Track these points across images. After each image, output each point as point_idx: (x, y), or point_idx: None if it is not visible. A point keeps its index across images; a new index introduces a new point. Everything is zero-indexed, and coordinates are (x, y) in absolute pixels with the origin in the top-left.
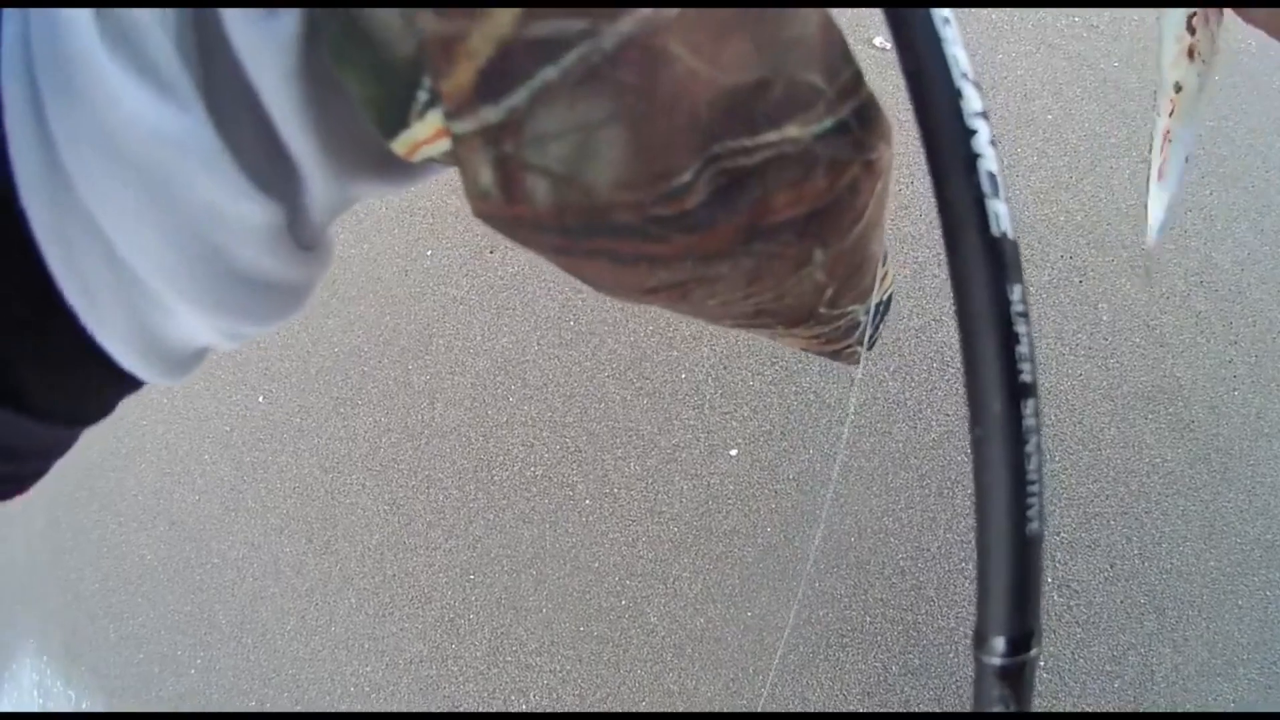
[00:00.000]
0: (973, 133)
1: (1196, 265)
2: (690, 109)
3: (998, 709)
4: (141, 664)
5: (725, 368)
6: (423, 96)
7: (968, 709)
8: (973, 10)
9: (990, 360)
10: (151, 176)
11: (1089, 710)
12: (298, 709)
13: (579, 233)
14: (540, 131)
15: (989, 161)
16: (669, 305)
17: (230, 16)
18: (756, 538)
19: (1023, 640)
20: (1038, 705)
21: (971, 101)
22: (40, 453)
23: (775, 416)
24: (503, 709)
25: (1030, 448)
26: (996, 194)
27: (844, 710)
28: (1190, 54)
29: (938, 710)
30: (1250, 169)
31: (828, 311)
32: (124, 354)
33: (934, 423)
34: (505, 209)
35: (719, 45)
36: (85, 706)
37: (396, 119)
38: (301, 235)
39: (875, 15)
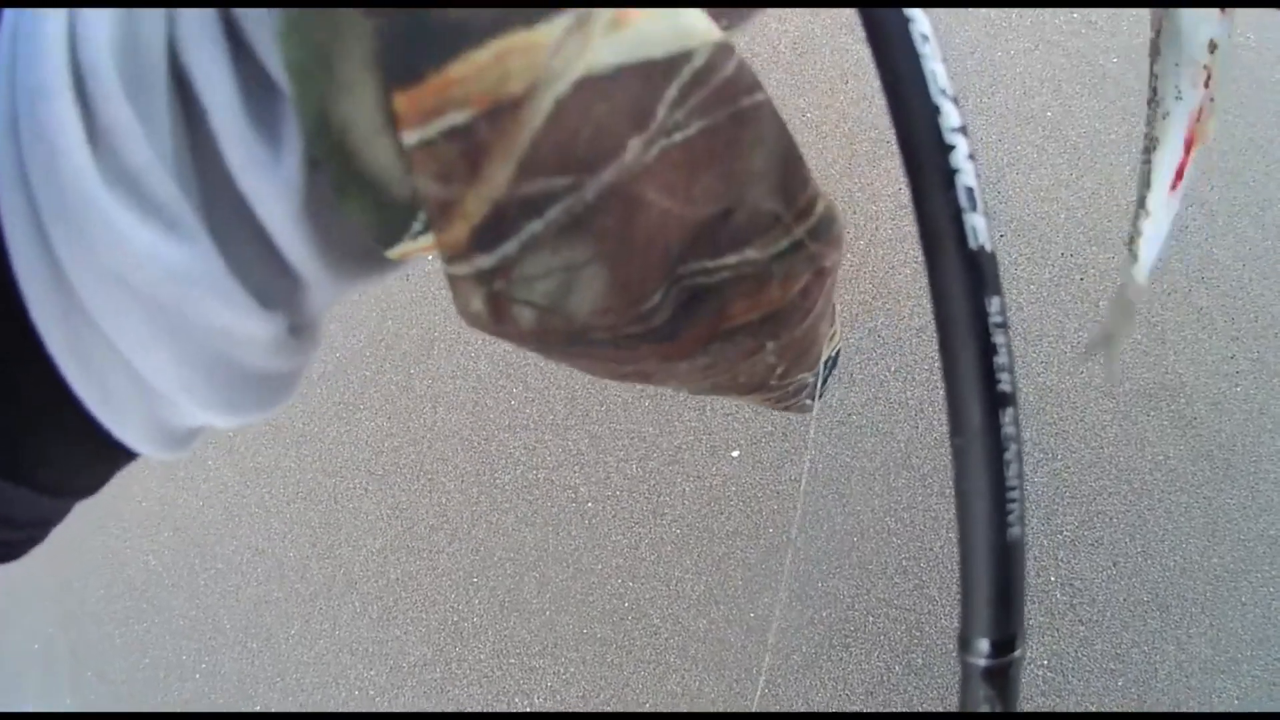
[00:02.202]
0: (950, 148)
1: (1198, 261)
2: (663, 245)
3: (984, 709)
4: (147, 669)
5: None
6: (417, 226)
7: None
8: (970, 8)
9: (969, 371)
10: (163, 308)
11: (1091, 710)
12: (302, 712)
13: (559, 345)
14: (528, 274)
15: (967, 176)
16: (637, 383)
17: (233, 159)
18: (759, 539)
19: (1006, 642)
20: (1040, 703)
21: (949, 117)
22: (37, 522)
23: (777, 418)
24: (506, 710)
25: (1009, 455)
26: (975, 208)
27: (848, 710)
28: (1207, 81)
29: (941, 710)
30: (1251, 164)
31: (778, 383)
32: (138, 443)
33: (936, 423)
34: (493, 328)
35: (690, 182)
36: (90, 711)
37: (393, 239)
38: (298, 331)
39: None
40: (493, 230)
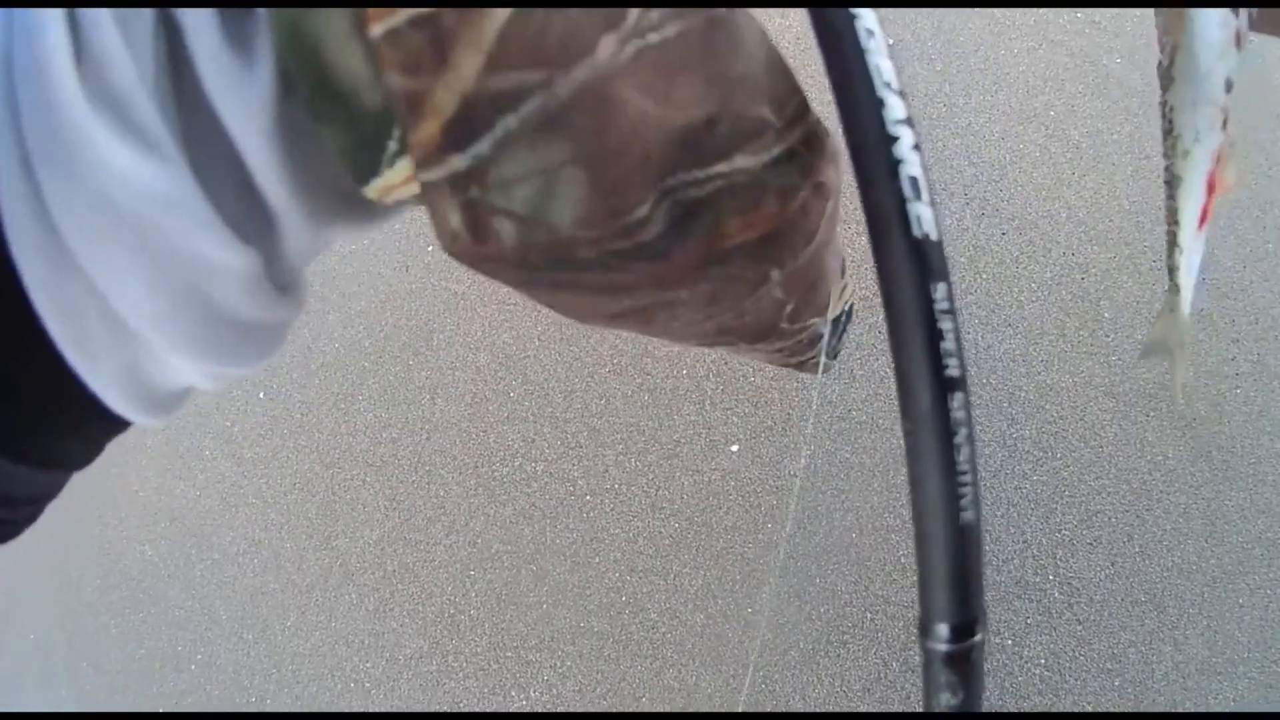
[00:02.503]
0: (894, 139)
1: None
2: (643, 148)
3: (945, 696)
4: (142, 660)
5: (726, 364)
6: (392, 146)
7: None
8: (974, 7)
9: (916, 357)
10: (141, 232)
11: (1088, 710)
12: (298, 705)
13: (543, 267)
14: (505, 176)
15: (911, 167)
16: (634, 329)
17: (207, 76)
18: (758, 534)
19: (966, 626)
20: (1037, 702)
21: (894, 110)
22: (34, 498)
23: (776, 413)
24: (503, 704)
25: (959, 439)
26: (919, 197)
27: (846, 710)
28: (1238, 41)
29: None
30: (1251, 165)
31: (789, 326)
32: (115, 399)
33: None
34: (474, 248)
35: (669, 85)
36: (86, 703)
37: (369, 167)
38: (277, 278)
39: (877, 9)
40: (465, 126)
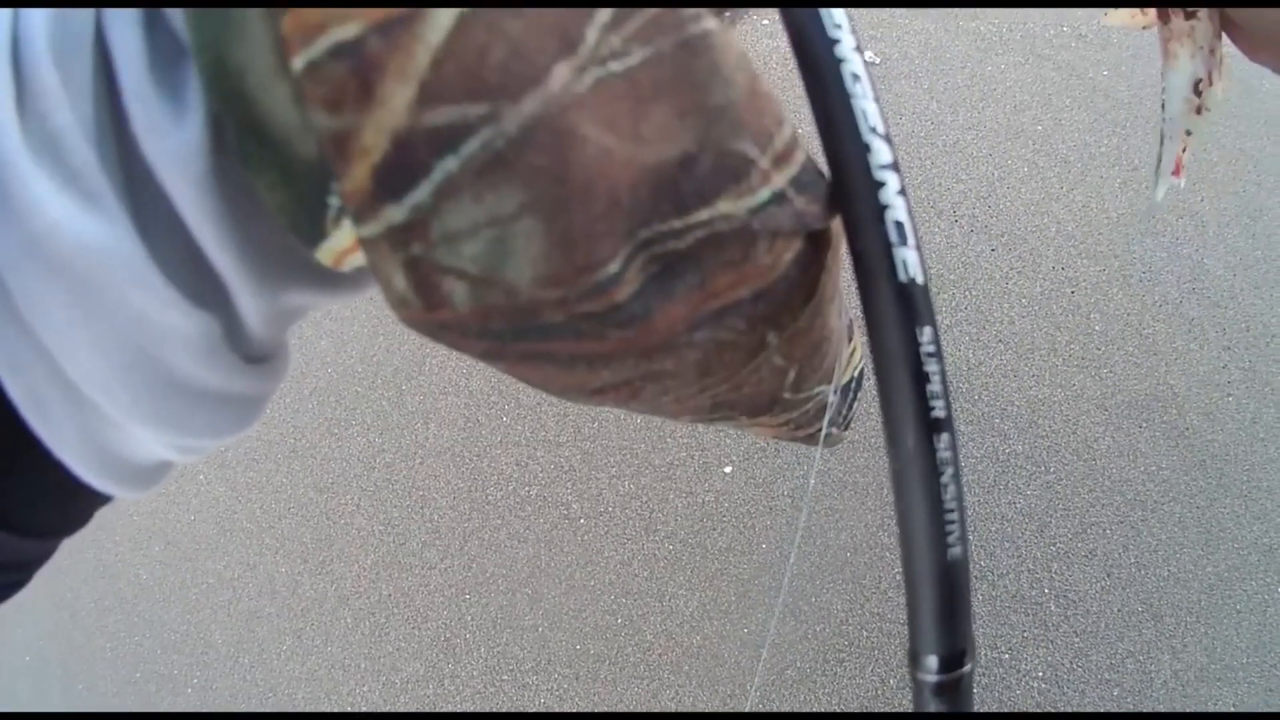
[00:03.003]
0: (880, 185)
1: (1189, 272)
2: (609, 192)
3: None
4: (138, 683)
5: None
6: (334, 202)
7: None
8: (961, 22)
9: (903, 399)
10: (80, 286)
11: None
12: (296, 713)
13: (507, 335)
14: (450, 230)
15: (897, 212)
16: (621, 405)
17: (138, 124)
18: (752, 554)
19: (954, 657)
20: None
21: (880, 155)
22: (23, 564)
23: None
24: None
25: (946, 479)
26: (904, 242)
27: None
28: (1198, 111)
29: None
30: (1241, 174)
31: (792, 396)
32: (82, 469)
33: None
34: (426, 315)
35: (637, 119)
36: None
37: (311, 227)
38: (244, 347)
39: (863, 25)
40: (399, 170)
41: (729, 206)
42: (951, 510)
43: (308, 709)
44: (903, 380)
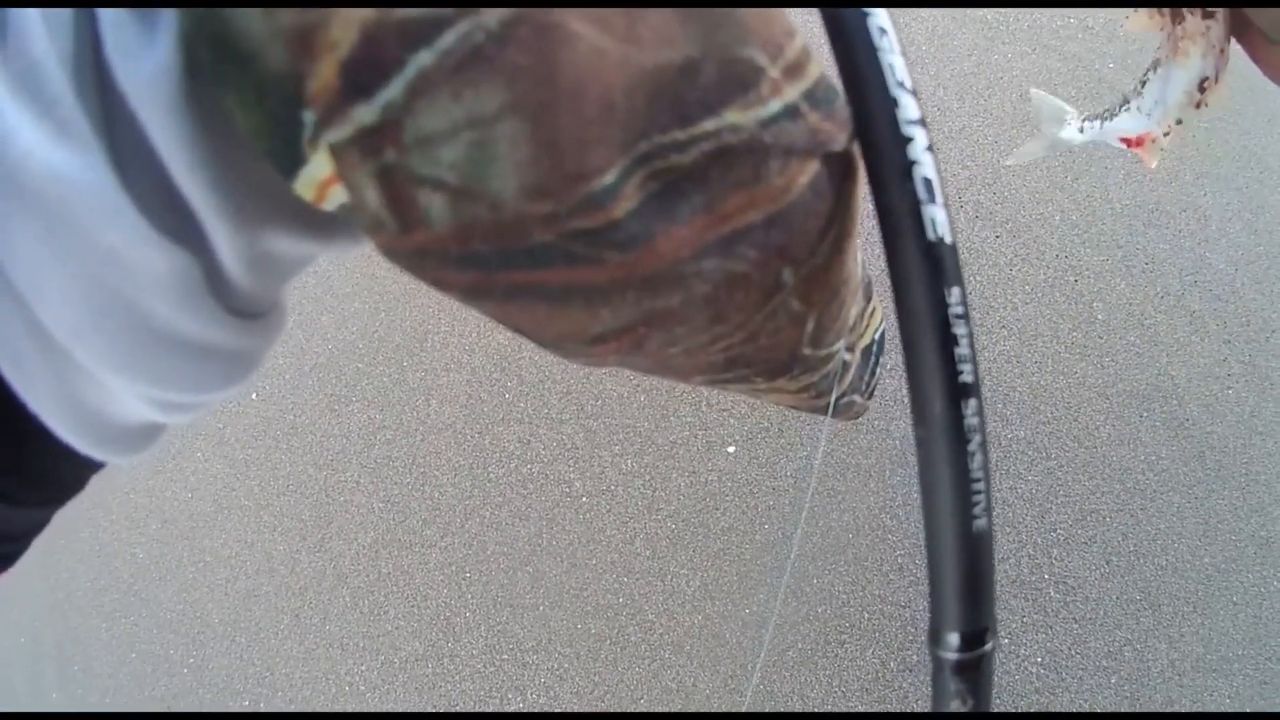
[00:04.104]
0: (908, 140)
1: (1191, 265)
2: (603, 95)
3: (954, 704)
4: (134, 663)
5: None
6: (309, 119)
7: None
8: (968, 11)
9: (930, 362)
10: (50, 220)
11: (1084, 710)
12: (292, 708)
13: (493, 262)
14: (424, 131)
15: (925, 168)
16: (625, 359)
17: (110, 47)
18: (755, 534)
19: (976, 635)
20: (1034, 701)
21: (907, 110)
22: (21, 534)
23: (773, 413)
24: (500, 707)
25: (973, 446)
26: (933, 200)
27: (845, 710)
28: (1198, 106)
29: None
30: (1244, 169)
31: (812, 353)
32: (62, 429)
33: None
34: (403, 238)
35: (633, 17)
36: (77, 706)
37: (288, 149)
38: (227, 296)
39: None
40: (369, 65)
41: (737, 117)
42: (978, 480)
43: (305, 688)
44: (930, 342)
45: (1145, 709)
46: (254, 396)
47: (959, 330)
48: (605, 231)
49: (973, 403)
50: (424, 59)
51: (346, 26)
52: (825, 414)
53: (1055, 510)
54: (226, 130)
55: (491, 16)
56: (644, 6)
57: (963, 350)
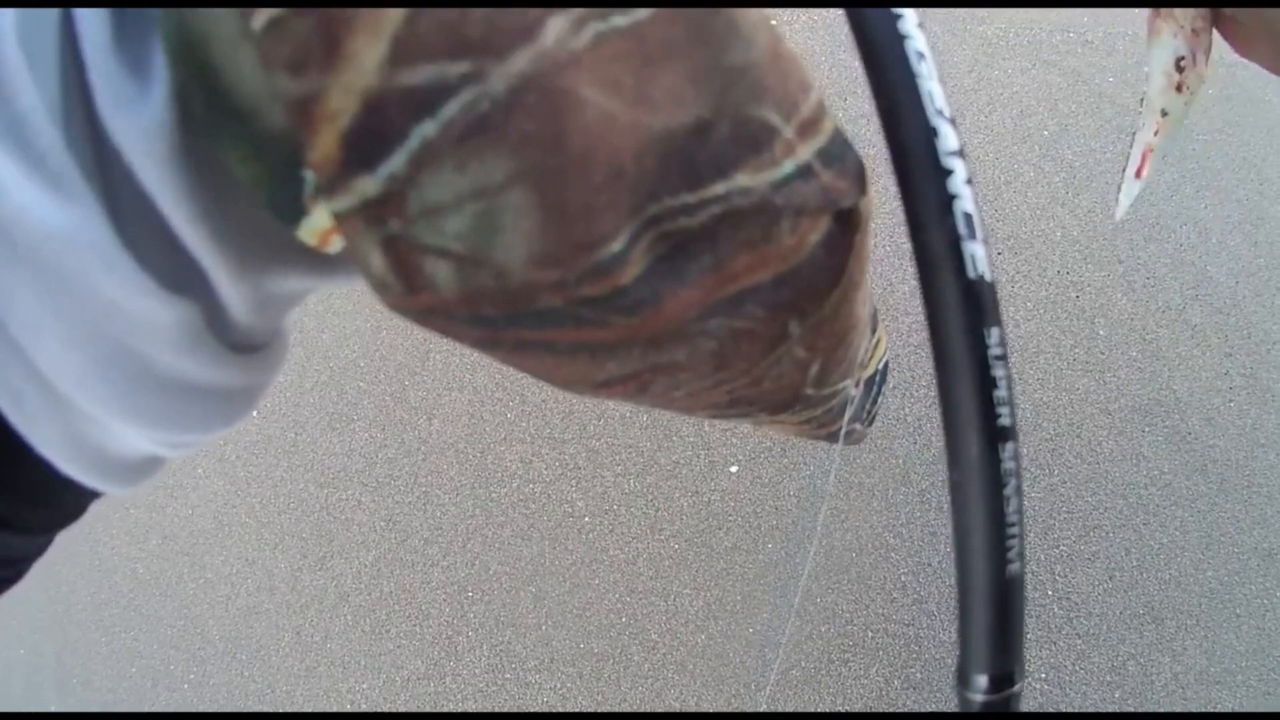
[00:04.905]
0: (949, 173)
1: (1192, 279)
2: (612, 161)
3: None
4: (134, 678)
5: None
6: (310, 177)
7: None
8: (968, 27)
9: (967, 405)
10: (48, 275)
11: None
12: (292, 713)
13: (500, 322)
14: (430, 203)
15: (965, 202)
16: (629, 400)
17: (102, 100)
18: (757, 554)
19: (1005, 677)
20: None
21: (947, 140)
22: (16, 560)
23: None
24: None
25: (1009, 490)
26: (973, 235)
27: None
28: (1178, 88)
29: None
30: (1244, 182)
31: (815, 392)
32: (66, 465)
33: (934, 438)
34: (408, 300)
35: (643, 80)
36: None
37: (289, 203)
38: (230, 335)
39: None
40: (370, 137)
41: (748, 180)
42: (1013, 525)
43: (306, 707)
44: (968, 385)
45: (1146, 712)
46: (255, 414)
47: (998, 372)
48: (613, 297)
49: (1010, 446)
50: (428, 129)
51: (346, 95)
52: (826, 440)
53: (1058, 526)
54: (224, 178)
55: (498, 83)
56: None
57: (1001, 393)
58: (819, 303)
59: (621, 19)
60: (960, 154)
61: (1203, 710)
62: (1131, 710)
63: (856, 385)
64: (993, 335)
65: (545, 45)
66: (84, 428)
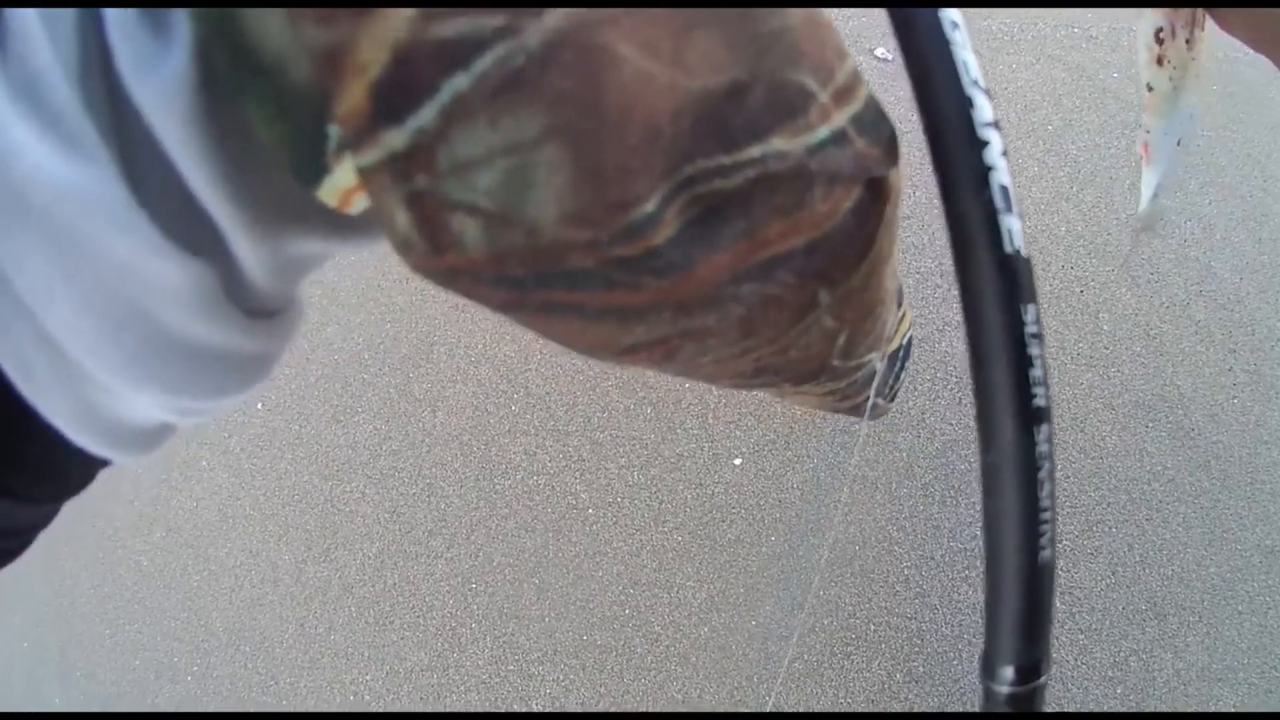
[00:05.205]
0: (985, 144)
1: (1196, 274)
2: (648, 121)
3: None
4: (137, 670)
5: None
6: (334, 133)
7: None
8: (972, 21)
9: (1003, 385)
10: (59, 233)
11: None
12: (292, 713)
13: (528, 283)
14: (460, 158)
15: (1001, 175)
16: (653, 366)
17: (122, 59)
18: (761, 547)
19: (1031, 668)
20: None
21: (983, 111)
22: (27, 529)
23: (779, 426)
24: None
25: (1043, 475)
26: (1010, 209)
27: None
28: (1159, 61)
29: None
30: (1248, 178)
31: (841, 364)
32: (75, 433)
33: (938, 432)
34: (433, 260)
35: (680, 42)
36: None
37: (312, 161)
38: (246, 300)
39: (876, 22)
40: (400, 89)
41: (784, 143)
42: (1046, 510)
43: (310, 698)
44: (1003, 364)
45: (1148, 711)
46: (260, 406)
47: (1034, 351)
48: (645, 259)
49: (1045, 429)
50: (460, 83)
51: (377, 47)
52: (847, 414)
53: (1061, 520)
54: (245, 138)
55: (534, 37)
56: (699, 6)
57: (1037, 373)
58: (849, 272)
59: None
60: (996, 125)
61: (1203, 709)
62: (1134, 706)
63: (881, 359)
64: (1029, 313)
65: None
66: (95, 396)
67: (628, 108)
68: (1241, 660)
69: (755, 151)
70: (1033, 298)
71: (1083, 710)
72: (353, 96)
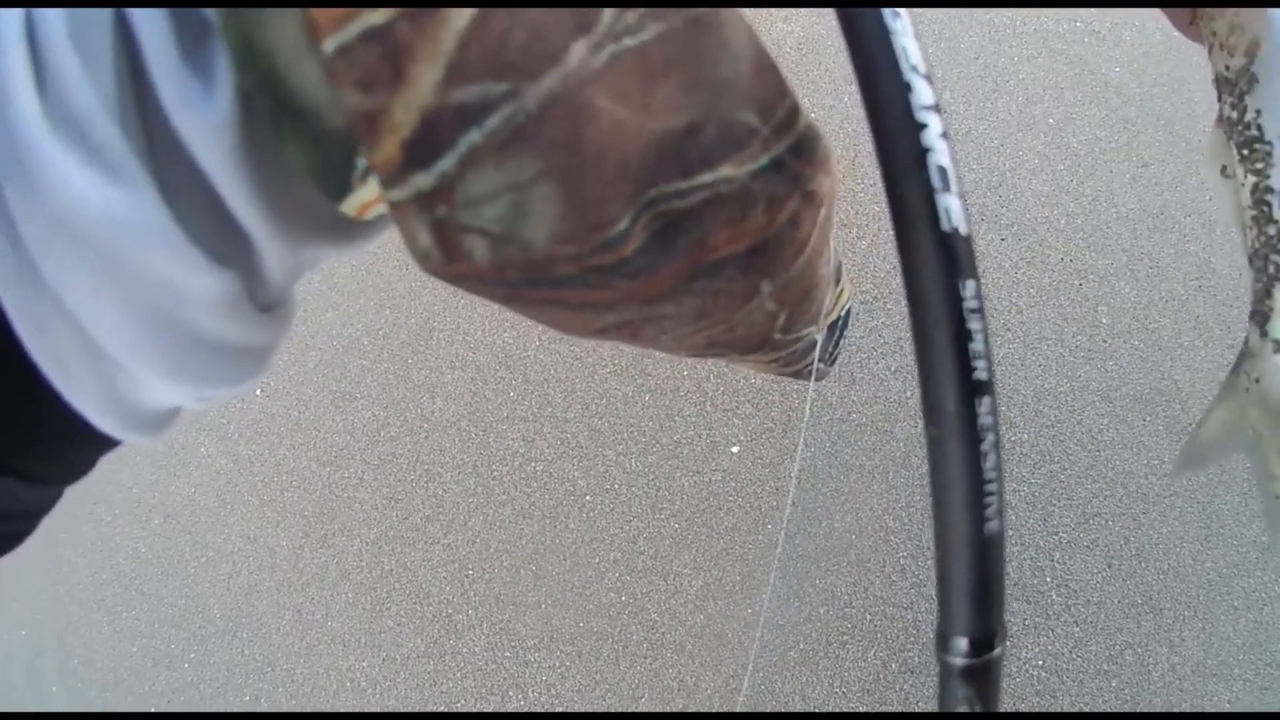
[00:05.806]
0: (922, 126)
1: (1195, 270)
2: (620, 159)
3: (962, 709)
4: (135, 657)
5: (728, 365)
6: (361, 164)
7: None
8: (974, 14)
9: (943, 358)
10: (107, 257)
11: (1085, 710)
12: (293, 704)
13: (522, 285)
14: (472, 194)
15: (940, 155)
16: (621, 341)
17: (166, 97)
18: (758, 534)
19: (985, 640)
20: (1035, 703)
21: (921, 95)
22: (30, 513)
23: (777, 414)
24: (501, 705)
25: (986, 446)
26: (948, 188)
27: (844, 710)
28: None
29: (935, 711)
30: None
31: (782, 338)
32: (100, 419)
33: None
34: (447, 268)
35: (647, 92)
36: (77, 701)
37: (339, 185)
38: (262, 298)
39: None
40: (426, 144)
41: (731, 171)
42: (991, 481)
43: (306, 684)
44: (943, 338)
45: (1147, 712)
46: (258, 393)
47: (973, 325)
48: (618, 266)
49: (986, 401)
50: (474, 137)
51: (408, 111)
52: (791, 377)
53: (1058, 513)
54: (277, 160)
55: (532, 99)
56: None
57: (977, 346)
58: (787, 266)
59: (630, 40)
60: (936, 109)
61: (1198, 704)
62: (1128, 700)
63: (820, 331)
64: (968, 288)
65: (571, 66)
66: (123, 385)
67: (604, 149)
68: (1237, 656)
69: (707, 178)
70: (973, 274)
71: (1080, 709)
72: (387, 149)
